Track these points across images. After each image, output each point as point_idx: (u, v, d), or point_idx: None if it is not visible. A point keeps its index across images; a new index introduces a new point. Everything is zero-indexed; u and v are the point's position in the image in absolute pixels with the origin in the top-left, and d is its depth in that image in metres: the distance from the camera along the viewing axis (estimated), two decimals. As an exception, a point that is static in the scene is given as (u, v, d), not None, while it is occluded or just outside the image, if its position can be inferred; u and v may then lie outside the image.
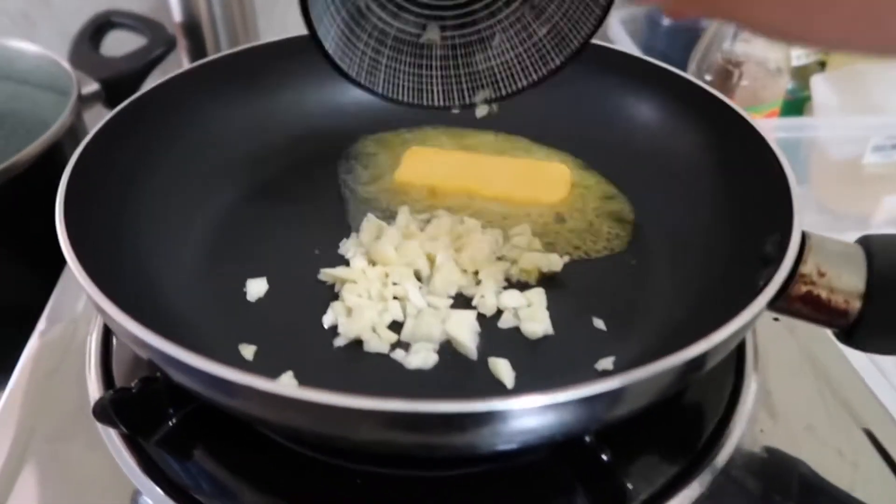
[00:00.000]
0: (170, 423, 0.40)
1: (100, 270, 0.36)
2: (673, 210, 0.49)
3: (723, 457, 0.40)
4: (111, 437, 0.41)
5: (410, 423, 0.30)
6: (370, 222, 0.49)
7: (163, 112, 0.53)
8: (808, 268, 0.36)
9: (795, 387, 0.45)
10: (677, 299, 0.44)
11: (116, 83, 0.76)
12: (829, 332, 0.48)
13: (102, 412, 0.38)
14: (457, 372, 0.41)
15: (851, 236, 0.69)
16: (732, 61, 0.77)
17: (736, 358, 0.45)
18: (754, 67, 0.77)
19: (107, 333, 0.47)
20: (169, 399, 0.41)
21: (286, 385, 0.30)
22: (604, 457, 0.35)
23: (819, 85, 0.79)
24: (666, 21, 0.89)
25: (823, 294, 0.35)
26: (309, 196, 0.54)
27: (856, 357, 0.46)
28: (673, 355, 0.31)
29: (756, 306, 0.34)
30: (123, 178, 0.48)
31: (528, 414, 0.30)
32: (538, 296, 0.44)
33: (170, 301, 0.43)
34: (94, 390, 0.43)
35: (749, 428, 0.42)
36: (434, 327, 0.42)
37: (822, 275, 0.35)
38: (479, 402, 0.29)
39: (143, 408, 0.40)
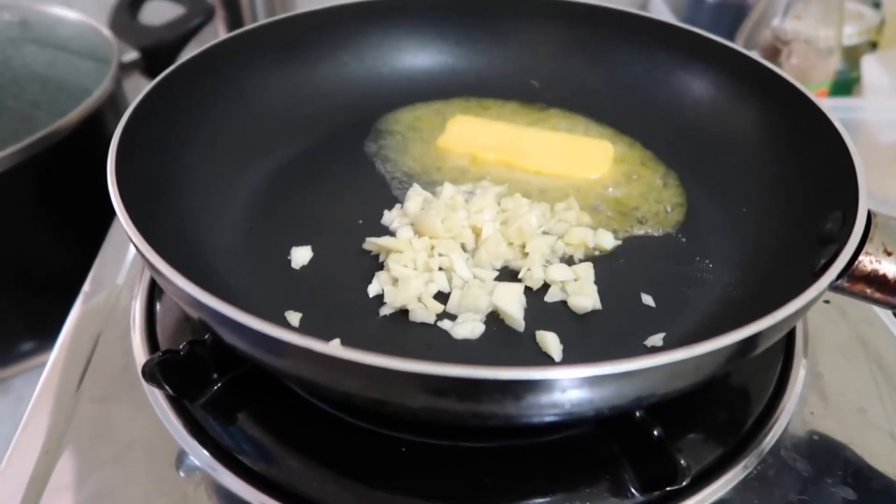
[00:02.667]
0: (215, 388, 0.41)
1: (150, 232, 0.36)
2: (725, 187, 0.48)
3: (772, 437, 0.39)
4: (157, 399, 0.41)
5: (461, 389, 0.30)
6: (416, 193, 0.48)
7: (205, 80, 0.53)
8: (873, 245, 0.34)
9: (847, 370, 0.44)
10: (729, 278, 0.43)
11: (155, 52, 0.75)
12: (881, 316, 0.47)
13: (151, 374, 0.39)
14: (503, 344, 0.40)
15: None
16: (781, 39, 0.75)
17: (786, 341, 0.44)
18: (804, 46, 0.75)
19: (151, 299, 0.48)
20: (215, 363, 0.41)
21: (339, 347, 0.30)
22: (655, 432, 0.35)
23: (870, 65, 0.77)
24: (711, -2, 0.87)
25: (890, 273, 0.34)
26: (351, 166, 0.53)
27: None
28: (725, 335, 0.31)
29: (819, 286, 0.33)
30: (168, 143, 0.48)
31: (577, 385, 0.30)
32: (586, 270, 0.43)
33: (215, 266, 0.43)
34: (140, 354, 0.44)
35: (799, 410, 0.41)
36: (481, 299, 0.41)
37: (888, 253, 0.34)
38: (530, 371, 0.28)
39: (189, 371, 0.40)
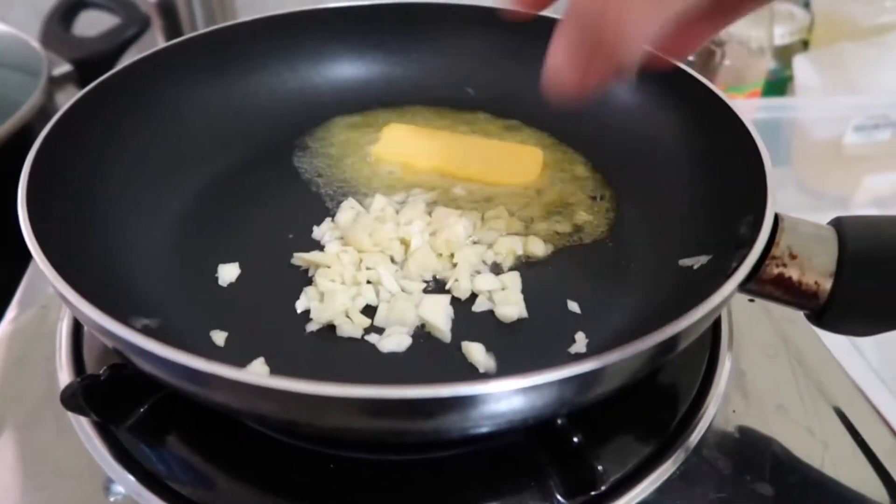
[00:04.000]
0: (141, 410, 0.40)
1: (64, 257, 0.36)
2: (651, 191, 0.49)
3: (695, 437, 0.40)
4: (82, 425, 0.40)
5: (379, 410, 0.30)
6: (348, 206, 0.48)
7: (133, 93, 0.52)
8: (780, 250, 0.35)
9: (769, 367, 0.45)
10: (653, 282, 0.44)
11: (89, 64, 0.74)
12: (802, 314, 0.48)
13: (71, 399, 0.38)
14: (431, 356, 0.40)
15: (831, 216, 0.69)
16: (715, 41, 0.76)
17: (711, 338, 0.46)
18: (737, 47, 0.77)
19: (77, 321, 0.47)
20: (140, 385, 0.40)
21: (251, 373, 0.30)
22: (574, 439, 0.35)
23: (801, 65, 0.79)
24: None
25: (794, 276, 0.35)
26: (283, 180, 0.53)
27: (832, 337, 0.46)
28: (643, 338, 0.31)
29: (726, 289, 0.34)
30: (91, 161, 0.47)
31: (498, 398, 0.30)
32: (513, 279, 0.44)
33: (139, 288, 0.42)
34: (65, 377, 0.43)
35: (722, 408, 0.42)
36: (408, 311, 0.41)
37: (793, 257, 0.35)
38: (446, 388, 0.29)
39: (113, 394, 0.39)
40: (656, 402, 0.42)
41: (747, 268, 0.34)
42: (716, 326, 0.46)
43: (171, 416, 0.40)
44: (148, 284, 0.43)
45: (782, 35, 0.82)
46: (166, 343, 0.31)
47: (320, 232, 0.47)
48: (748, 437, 0.41)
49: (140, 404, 0.40)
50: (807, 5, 0.86)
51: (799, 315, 0.48)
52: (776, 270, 0.35)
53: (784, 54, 0.83)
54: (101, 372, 0.39)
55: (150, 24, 0.80)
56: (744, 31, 0.77)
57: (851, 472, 0.40)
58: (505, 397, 0.30)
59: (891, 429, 0.44)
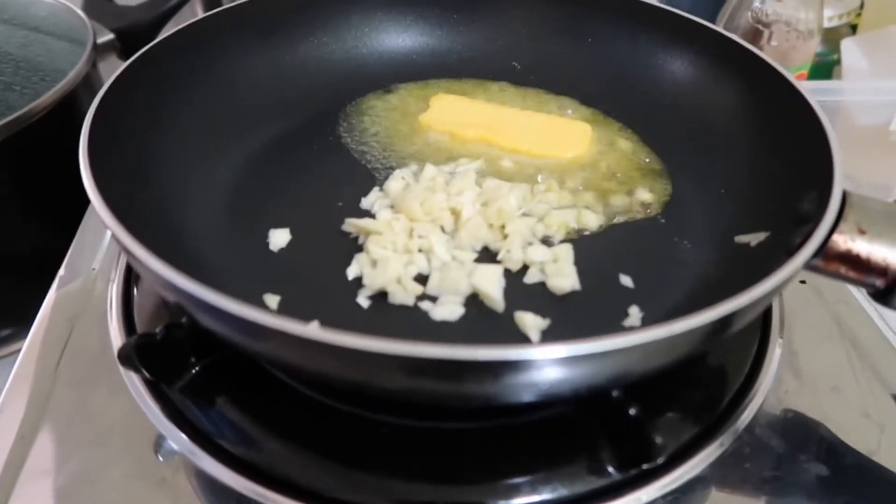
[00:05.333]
0: (193, 371, 0.41)
1: (125, 214, 0.36)
2: (705, 168, 0.48)
3: (747, 415, 0.40)
4: (135, 383, 0.41)
5: (437, 370, 0.29)
6: (398, 175, 0.48)
7: (183, 59, 0.52)
8: (848, 225, 0.35)
9: (822, 349, 0.44)
10: (708, 258, 0.43)
11: (131, 33, 0.74)
12: (857, 296, 0.47)
13: (127, 357, 0.38)
14: (483, 325, 0.40)
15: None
16: (762, 21, 0.75)
17: (762, 321, 0.45)
18: (784, 28, 0.75)
19: (127, 283, 0.47)
20: (192, 347, 0.40)
21: (315, 328, 0.30)
22: (631, 411, 0.35)
23: (849, 48, 0.77)
24: (693, -21, 0.86)
25: (863, 252, 0.34)
26: (331, 148, 0.53)
27: (887, 321, 0.45)
28: (701, 313, 0.31)
29: (793, 265, 0.33)
30: (144, 125, 0.47)
31: (554, 364, 0.30)
32: (565, 251, 0.43)
33: (192, 249, 0.42)
34: (117, 338, 0.43)
35: (774, 388, 0.42)
36: (460, 280, 0.41)
37: (862, 232, 0.34)
38: (505, 349, 0.28)
39: (166, 354, 0.40)
40: (709, 381, 0.41)
41: (816, 242, 0.34)
42: (766, 308, 0.45)
43: (222, 378, 0.41)
44: (202, 247, 0.43)
45: (830, 18, 0.80)
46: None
47: (369, 201, 0.47)
48: (801, 418, 0.41)
49: (192, 366, 0.41)
50: (857, -12, 0.84)
51: (853, 298, 0.47)
52: (844, 246, 0.35)
53: (831, 37, 0.81)
54: (157, 330, 0.39)
55: (191, -6, 0.80)
56: (792, 12, 0.75)
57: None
58: (554, 364, 0.30)
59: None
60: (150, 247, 0.33)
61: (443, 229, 0.45)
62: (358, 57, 0.59)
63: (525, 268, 0.43)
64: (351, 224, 0.45)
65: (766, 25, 0.75)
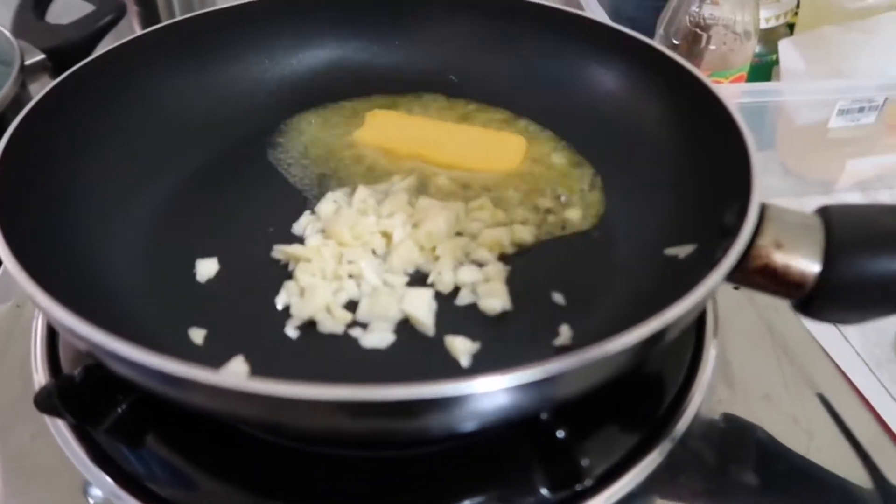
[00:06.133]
0: (118, 410, 0.39)
1: (35, 255, 0.35)
2: (637, 180, 0.48)
3: (681, 427, 0.40)
4: (59, 427, 0.39)
5: (355, 410, 0.29)
6: (329, 198, 0.48)
7: (108, 83, 0.51)
8: (765, 239, 0.35)
9: (754, 355, 0.45)
10: (639, 272, 0.44)
11: (63, 53, 0.72)
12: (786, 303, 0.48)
13: (46, 402, 0.37)
14: (414, 350, 0.40)
15: (816, 200, 0.69)
16: (701, 24, 0.76)
17: (696, 329, 0.45)
18: (722, 31, 0.76)
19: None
20: (117, 385, 0.39)
21: (228, 375, 0.29)
22: (559, 433, 0.35)
23: (786, 49, 0.78)
24: (632, -16, 0.87)
25: (780, 265, 0.35)
26: (262, 171, 0.52)
27: (817, 323, 0.46)
28: (628, 332, 0.31)
29: (711, 281, 0.33)
30: (63, 154, 0.46)
31: (477, 397, 0.29)
32: (497, 271, 0.43)
33: (114, 285, 0.41)
34: (40, 378, 0.42)
35: (707, 398, 0.42)
36: (390, 306, 0.41)
37: (779, 246, 0.35)
38: (426, 387, 0.28)
39: (89, 395, 0.38)
40: (642, 393, 0.42)
41: (733, 258, 0.34)
42: (701, 315, 0.46)
43: (150, 416, 0.39)
44: (123, 283, 0.42)
45: (767, 19, 0.82)
46: (142, 343, 0.30)
47: (300, 226, 0.46)
48: (733, 427, 0.41)
49: (117, 404, 0.39)
50: (792, -12, 0.85)
51: (783, 304, 0.48)
52: (762, 260, 0.35)
53: (769, 38, 0.82)
54: (75, 373, 0.38)
55: (125, 12, 0.78)
56: (729, 14, 0.76)
57: (836, 459, 0.40)
58: (485, 396, 0.29)
59: (874, 415, 0.44)
60: (59, 289, 0.32)
61: (374, 253, 0.44)
62: (291, 75, 0.58)
63: (457, 289, 0.43)
64: (280, 251, 0.44)
65: (705, 29, 0.76)
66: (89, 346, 0.31)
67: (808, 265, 0.34)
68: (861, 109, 0.77)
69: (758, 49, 0.81)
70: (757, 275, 0.35)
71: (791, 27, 0.85)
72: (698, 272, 0.35)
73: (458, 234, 0.46)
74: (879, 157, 0.81)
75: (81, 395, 0.38)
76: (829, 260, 0.34)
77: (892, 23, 0.74)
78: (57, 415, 0.37)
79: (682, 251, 0.42)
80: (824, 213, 0.36)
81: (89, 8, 0.77)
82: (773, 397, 0.42)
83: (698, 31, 0.76)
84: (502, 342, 0.40)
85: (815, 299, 0.35)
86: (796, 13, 0.84)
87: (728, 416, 0.42)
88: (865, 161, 0.81)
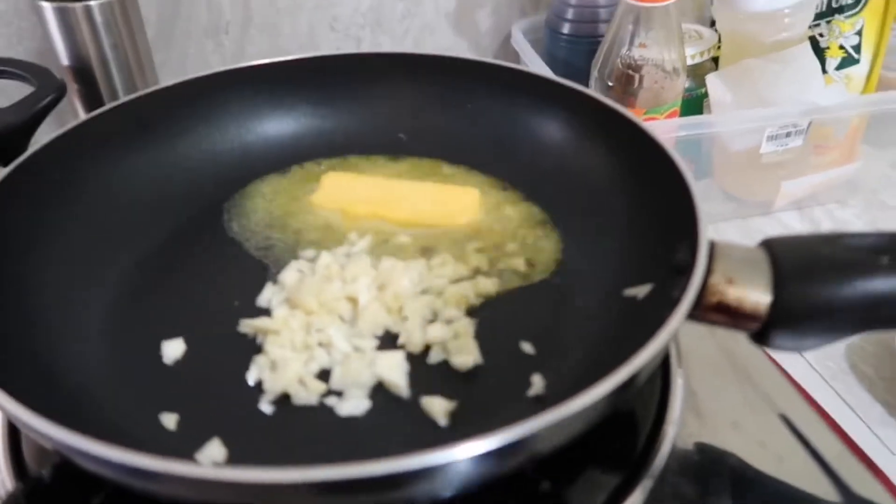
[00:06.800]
0: (94, 506, 0.38)
1: None
2: (589, 225, 0.50)
3: (659, 462, 0.41)
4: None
5: (339, 489, 0.29)
6: (291, 267, 0.48)
7: (56, 172, 0.50)
8: (717, 277, 0.37)
9: (718, 384, 0.47)
10: (601, 314, 0.45)
11: (3, 137, 0.71)
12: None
13: (14, 508, 0.36)
14: (392, 414, 0.40)
15: (756, 221, 0.73)
16: (632, 66, 0.79)
17: (661, 363, 0.47)
18: (653, 70, 0.80)
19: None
20: (89, 482, 0.38)
21: (202, 464, 0.29)
22: (543, 486, 0.36)
23: (713, 83, 0.83)
24: (566, 29, 0.91)
25: (734, 301, 0.36)
26: (222, 245, 0.52)
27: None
28: (601, 382, 0.32)
29: (673, 322, 0.35)
30: (15, 246, 0.45)
31: (463, 463, 0.29)
32: (465, 326, 0.44)
33: (78, 376, 0.40)
34: (5, 481, 0.40)
35: (680, 432, 0.43)
36: (362, 371, 0.41)
37: (730, 282, 0.37)
38: (408, 458, 0.28)
39: (60, 496, 0.37)
40: (618, 433, 0.42)
41: (690, 298, 0.35)
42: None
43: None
44: (87, 373, 0.41)
45: (693, 55, 0.86)
46: (112, 436, 0.30)
47: (265, 297, 0.46)
48: (707, 457, 0.42)
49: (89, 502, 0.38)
50: (713, 24, 0.90)
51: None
52: (716, 297, 0.37)
53: (697, 73, 0.87)
54: (43, 473, 0.37)
55: (65, 92, 0.77)
56: (657, 54, 0.80)
57: (806, 479, 0.41)
58: (469, 461, 0.30)
59: (835, 429, 0.46)
60: (21, 389, 0.32)
61: (342, 319, 0.44)
62: (242, 145, 0.59)
63: (427, 348, 0.43)
64: (247, 325, 0.44)
65: (636, 69, 0.80)
66: (55, 445, 0.30)
67: (760, 297, 0.36)
68: (788, 134, 0.81)
69: (687, 84, 0.85)
70: (712, 311, 0.37)
71: (716, 61, 0.90)
72: (659, 311, 0.37)
73: (423, 292, 0.46)
74: (810, 177, 0.86)
75: (52, 496, 0.37)
76: (778, 291, 0.36)
77: (805, 53, 0.79)
78: (25, 521, 0.36)
79: (641, 291, 0.43)
80: (768, 246, 0.38)
81: (28, 90, 0.76)
82: (741, 423, 0.44)
83: (630, 72, 0.80)
84: (477, 397, 0.41)
85: (769, 329, 0.37)
86: (719, 47, 0.89)
87: (701, 447, 0.43)
88: (797, 182, 0.86)
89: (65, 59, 0.80)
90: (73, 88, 0.81)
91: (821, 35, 0.87)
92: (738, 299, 0.36)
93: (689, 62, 0.85)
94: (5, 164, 0.48)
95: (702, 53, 0.88)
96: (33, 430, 0.31)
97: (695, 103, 0.88)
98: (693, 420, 0.44)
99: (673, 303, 0.36)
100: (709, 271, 0.37)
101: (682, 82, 0.82)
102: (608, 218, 0.49)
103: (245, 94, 0.60)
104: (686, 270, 0.38)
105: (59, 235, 0.47)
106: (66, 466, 0.37)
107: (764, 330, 0.37)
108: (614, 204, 0.49)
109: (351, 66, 0.61)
